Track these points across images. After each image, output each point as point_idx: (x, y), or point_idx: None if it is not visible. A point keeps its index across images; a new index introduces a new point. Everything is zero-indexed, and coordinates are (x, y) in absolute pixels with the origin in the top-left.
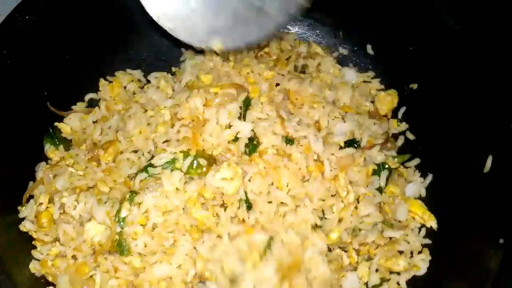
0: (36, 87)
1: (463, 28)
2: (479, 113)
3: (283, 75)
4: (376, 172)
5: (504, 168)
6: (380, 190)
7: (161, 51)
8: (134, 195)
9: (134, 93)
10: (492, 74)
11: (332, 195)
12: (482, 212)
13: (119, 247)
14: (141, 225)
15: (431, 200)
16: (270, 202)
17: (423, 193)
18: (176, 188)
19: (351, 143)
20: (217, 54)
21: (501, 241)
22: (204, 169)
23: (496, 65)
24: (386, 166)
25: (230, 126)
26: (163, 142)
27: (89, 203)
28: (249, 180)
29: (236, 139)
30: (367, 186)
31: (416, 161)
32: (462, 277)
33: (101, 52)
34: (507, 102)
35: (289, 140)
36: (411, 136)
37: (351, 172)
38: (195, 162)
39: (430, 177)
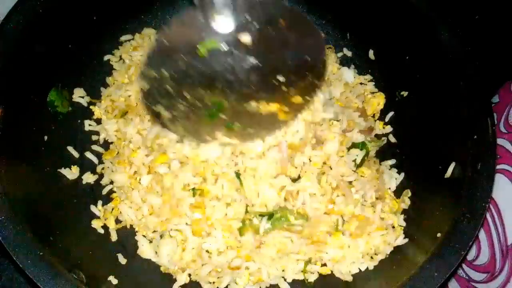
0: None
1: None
2: (452, 125)
3: None
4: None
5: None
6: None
7: None
8: None
9: None
10: (464, 97)
11: None
12: (432, 210)
13: None
14: None
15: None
16: None
17: (393, 187)
18: None
19: None
20: None
21: (438, 235)
22: None
23: (470, 91)
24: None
25: None
26: None
27: None
28: None
29: None
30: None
31: (392, 161)
32: None
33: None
34: (474, 119)
35: None
36: (393, 139)
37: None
38: None
39: (402, 176)
